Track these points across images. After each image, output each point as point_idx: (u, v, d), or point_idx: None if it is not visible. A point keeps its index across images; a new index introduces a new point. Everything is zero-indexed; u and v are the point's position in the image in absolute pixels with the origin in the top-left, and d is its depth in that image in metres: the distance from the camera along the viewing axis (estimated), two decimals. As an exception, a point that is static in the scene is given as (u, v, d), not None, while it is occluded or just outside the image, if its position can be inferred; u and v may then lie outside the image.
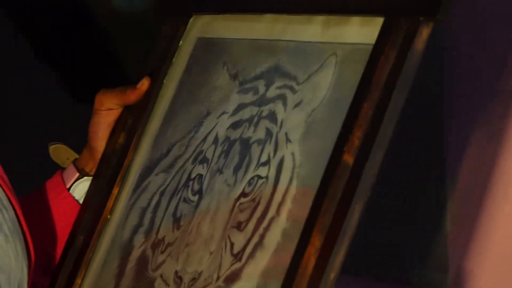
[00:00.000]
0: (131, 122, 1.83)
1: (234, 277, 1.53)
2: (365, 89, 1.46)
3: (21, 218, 1.70)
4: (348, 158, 1.43)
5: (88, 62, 3.02)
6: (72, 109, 2.32)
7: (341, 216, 1.41)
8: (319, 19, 1.61)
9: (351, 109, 1.46)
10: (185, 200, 1.68)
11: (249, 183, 1.58)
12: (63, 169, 1.91)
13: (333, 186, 1.43)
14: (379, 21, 1.50)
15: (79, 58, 3.11)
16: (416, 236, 2.41)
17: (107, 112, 1.84)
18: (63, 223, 1.87)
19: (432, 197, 2.37)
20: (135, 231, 1.75)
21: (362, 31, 1.54)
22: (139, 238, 1.73)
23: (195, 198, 1.66)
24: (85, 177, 1.86)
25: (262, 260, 1.50)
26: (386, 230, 2.50)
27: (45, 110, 2.92)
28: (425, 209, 2.41)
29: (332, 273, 1.40)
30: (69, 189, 1.87)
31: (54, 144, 1.92)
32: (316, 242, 1.41)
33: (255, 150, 1.60)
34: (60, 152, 1.93)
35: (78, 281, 1.78)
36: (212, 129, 1.71)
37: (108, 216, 1.80)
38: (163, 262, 1.66)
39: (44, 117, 2.70)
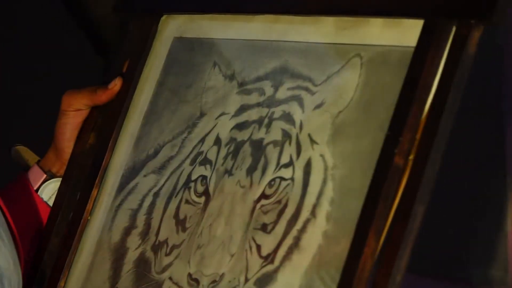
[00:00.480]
0: (102, 122, 1.59)
1: (267, 279, 1.30)
2: (411, 92, 1.24)
3: (12, 224, 1.46)
4: (399, 161, 1.21)
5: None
6: (31, 111, 1.97)
7: (405, 217, 1.19)
8: (329, 20, 1.37)
9: (397, 111, 1.24)
10: (187, 202, 1.44)
11: (270, 184, 1.36)
12: (27, 170, 1.65)
13: (385, 189, 1.21)
14: (407, 22, 1.27)
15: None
16: (476, 236, 2.23)
17: (75, 113, 1.59)
18: (32, 225, 1.61)
19: (492, 197, 2.17)
20: (127, 233, 1.51)
21: (387, 33, 1.31)
22: (134, 240, 1.49)
23: (201, 199, 1.43)
24: (53, 179, 1.60)
25: (302, 262, 1.28)
26: (447, 229, 2.28)
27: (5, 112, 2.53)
28: (485, 208, 2.22)
29: (398, 274, 1.19)
30: (36, 190, 1.60)
31: (19, 146, 1.64)
32: (372, 243, 1.20)
33: (271, 151, 1.38)
34: (21, 152, 1.63)
35: (62, 283, 1.51)
36: (211, 130, 1.48)
37: (88, 218, 1.55)
38: (170, 264, 1.43)
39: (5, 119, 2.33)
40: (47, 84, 1.90)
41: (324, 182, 1.32)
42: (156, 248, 1.49)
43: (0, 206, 1.50)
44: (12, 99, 2.91)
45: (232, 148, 1.46)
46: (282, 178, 1.37)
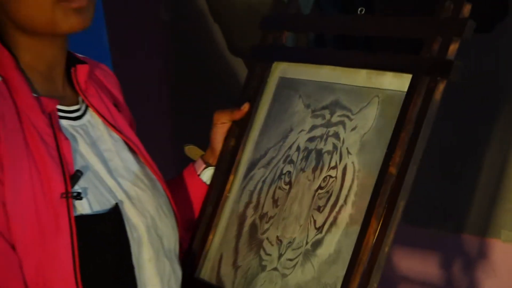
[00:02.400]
0: (238, 131, 1.78)
1: (318, 243, 1.51)
2: (402, 123, 1.44)
3: (171, 199, 1.66)
4: (392, 170, 1.42)
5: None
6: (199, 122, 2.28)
7: (391, 208, 1.41)
8: (363, 71, 1.58)
9: (393, 136, 1.45)
10: (279, 188, 1.64)
11: (324, 180, 1.56)
12: (194, 162, 1.86)
13: (383, 188, 1.43)
14: (407, 76, 1.47)
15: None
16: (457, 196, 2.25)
17: (222, 125, 1.79)
18: (196, 198, 1.82)
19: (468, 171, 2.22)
20: (246, 206, 1.71)
21: (395, 81, 1.51)
22: (250, 211, 1.69)
23: (287, 187, 1.63)
24: (210, 167, 1.81)
25: (336, 233, 1.50)
26: (436, 192, 2.31)
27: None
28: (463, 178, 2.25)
29: (386, 247, 1.40)
30: (199, 175, 1.82)
31: (188, 145, 1.87)
32: (374, 224, 1.41)
33: (326, 158, 1.58)
34: (192, 150, 1.87)
35: (211, 236, 1.73)
36: (295, 141, 1.67)
37: (227, 194, 1.75)
38: (268, 229, 1.63)
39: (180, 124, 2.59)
40: (212, 104, 2.18)
41: (353, 180, 1.50)
42: (261, 217, 1.66)
43: (164, 191, 1.65)
44: (191, 111, 2.85)
45: (305, 154, 1.63)
46: (330, 176, 1.55)
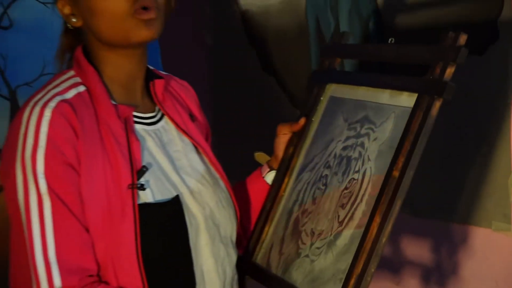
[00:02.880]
0: (296, 141, 1.85)
1: (338, 235, 1.59)
2: (406, 134, 1.53)
3: (231, 194, 1.75)
4: (396, 174, 1.51)
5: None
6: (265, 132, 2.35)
7: (390, 205, 1.49)
8: (387, 91, 1.66)
9: (398, 145, 1.53)
10: (318, 189, 1.72)
11: (349, 182, 1.63)
12: (261, 166, 1.94)
13: (387, 189, 1.51)
14: (414, 95, 1.56)
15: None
16: (461, 190, 2.27)
17: (283, 135, 1.87)
18: (260, 196, 1.89)
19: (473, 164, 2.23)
20: (294, 204, 1.78)
21: (408, 100, 1.58)
22: (296, 208, 1.76)
23: (323, 187, 1.71)
24: (272, 171, 1.88)
25: (351, 227, 1.57)
26: (440, 185, 2.34)
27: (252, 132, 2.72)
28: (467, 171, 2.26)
29: (384, 238, 1.49)
30: (263, 177, 1.90)
31: (258, 152, 1.96)
32: (377, 219, 1.50)
33: (353, 163, 1.65)
34: (261, 156, 1.95)
35: (267, 228, 1.81)
36: (333, 149, 1.74)
37: (282, 193, 1.83)
38: (306, 223, 1.70)
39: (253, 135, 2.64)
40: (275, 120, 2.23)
41: (368, 182, 1.58)
42: (302, 213, 1.72)
43: (226, 187, 1.73)
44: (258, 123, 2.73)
45: (339, 160, 1.70)
46: (353, 179, 1.62)
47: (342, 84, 1.82)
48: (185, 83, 1.86)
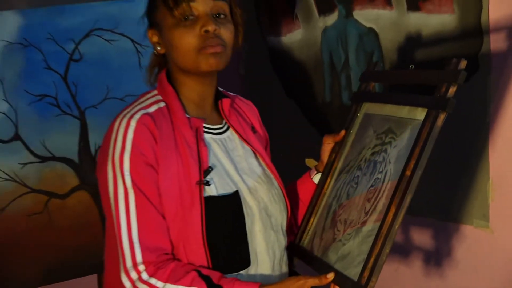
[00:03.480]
0: (338, 149, 1.94)
1: (364, 223, 1.69)
2: (417, 141, 1.63)
3: (283, 191, 1.85)
4: (408, 173, 1.61)
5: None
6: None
7: (402, 198, 1.60)
8: (407, 107, 1.74)
9: (411, 151, 1.63)
10: (351, 187, 1.80)
11: (374, 180, 1.72)
12: (310, 169, 2.00)
13: (401, 186, 1.62)
14: (425, 110, 1.66)
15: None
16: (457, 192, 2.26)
17: (328, 144, 1.95)
18: (308, 194, 1.97)
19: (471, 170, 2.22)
20: (333, 199, 1.86)
21: (421, 114, 1.68)
22: (334, 202, 1.85)
23: (355, 186, 1.79)
24: (319, 173, 1.96)
25: (373, 218, 1.67)
26: (439, 187, 2.34)
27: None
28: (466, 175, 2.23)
29: (396, 225, 1.59)
30: (312, 178, 1.98)
31: (308, 159, 2.08)
32: (393, 209, 1.61)
33: (378, 166, 1.75)
34: (310, 162, 2.07)
35: (312, 219, 1.90)
36: (365, 155, 1.82)
37: (325, 191, 1.92)
38: (341, 214, 1.79)
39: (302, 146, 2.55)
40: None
41: (388, 180, 1.66)
42: (339, 206, 1.80)
43: (279, 185, 1.82)
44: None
45: (368, 163, 1.77)
46: (378, 178, 1.70)
47: (374, 103, 1.90)
48: (250, 103, 1.98)
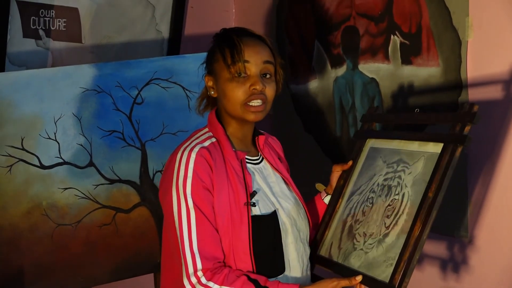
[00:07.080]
0: (345, 176, 1.85)
1: (386, 235, 1.60)
2: (436, 169, 1.56)
3: (306, 210, 1.77)
4: (430, 194, 1.54)
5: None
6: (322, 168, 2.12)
7: (427, 217, 1.52)
8: (417, 142, 1.67)
9: (431, 176, 1.56)
10: (366, 206, 1.71)
11: (391, 201, 1.64)
12: (320, 192, 1.92)
13: (424, 206, 1.54)
14: (440, 144, 1.59)
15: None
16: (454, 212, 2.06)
17: (337, 172, 1.87)
18: (321, 212, 1.89)
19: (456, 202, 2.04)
20: (347, 216, 1.77)
21: (433, 147, 1.61)
22: (349, 219, 1.76)
23: (370, 205, 1.70)
24: (328, 195, 1.89)
25: (396, 231, 1.58)
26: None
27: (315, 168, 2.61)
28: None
29: (425, 235, 1.51)
30: (323, 199, 1.90)
31: (318, 183, 1.93)
32: (419, 223, 1.52)
33: (393, 189, 1.66)
34: (319, 186, 1.92)
35: (327, 232, 1.80)
36: (377, 180, 1.74)
37: (337, 209, 1.82)
38: (358, 228, 1.70)
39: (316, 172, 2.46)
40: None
41: (407, 202, 1.59)
42: (355, 221, 1.72)
43: (299, 200, 1.73)
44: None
45: (382, 187, 1.69)
46: (395, 199, 1.63)
47: (379, 139, 1.82)
48: (275, 138, 1.90)
